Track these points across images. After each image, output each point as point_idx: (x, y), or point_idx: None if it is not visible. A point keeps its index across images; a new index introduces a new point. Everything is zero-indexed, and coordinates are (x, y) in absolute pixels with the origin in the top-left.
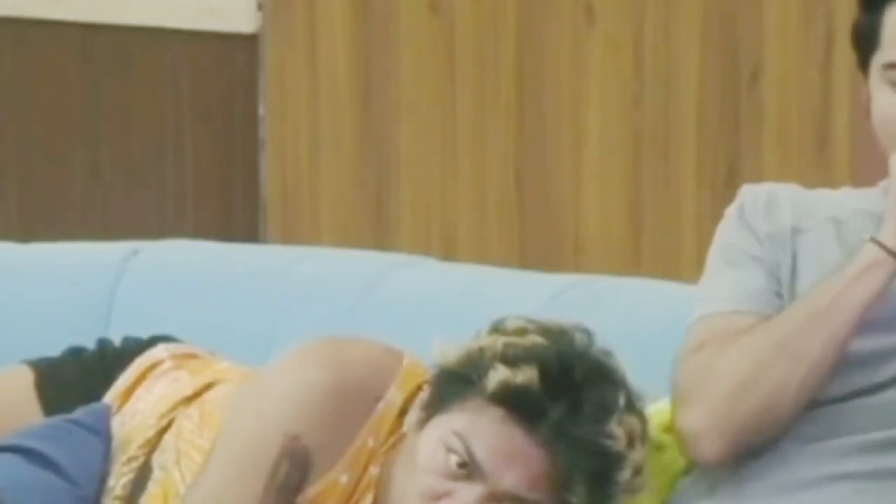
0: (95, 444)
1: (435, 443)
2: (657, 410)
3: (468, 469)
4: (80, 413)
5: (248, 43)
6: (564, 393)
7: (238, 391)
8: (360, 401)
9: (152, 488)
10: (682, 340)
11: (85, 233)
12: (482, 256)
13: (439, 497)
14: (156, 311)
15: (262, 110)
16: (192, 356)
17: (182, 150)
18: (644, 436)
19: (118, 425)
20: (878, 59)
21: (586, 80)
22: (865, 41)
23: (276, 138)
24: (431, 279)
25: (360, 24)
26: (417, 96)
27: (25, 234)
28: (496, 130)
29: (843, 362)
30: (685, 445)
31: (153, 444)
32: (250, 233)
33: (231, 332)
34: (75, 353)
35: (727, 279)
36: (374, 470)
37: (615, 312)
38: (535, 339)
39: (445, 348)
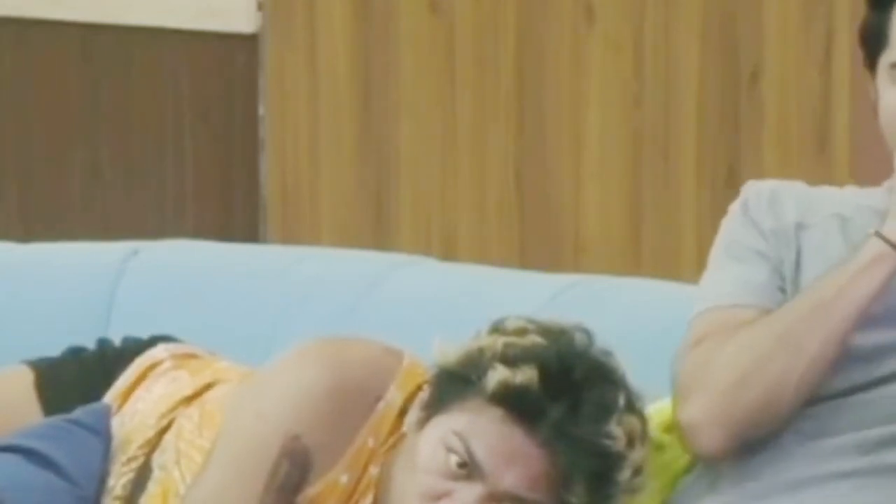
0: (95, 444)
1: (435, 443)
2: (657, 410)
3: (468, 469)
4: (80, 413)
5: (248, 43)
6: (564, 393)
7: (238, 391)
8: (360, 401)
9: (152, 488)
10: (682, 340)
11: (85, 233)
12: (482, 256)
13: (439, 497)
14: (156, 311)
15: (262, 110)
16: (192, 356)
17: (182, 150)
18: (644, 436)
19: (118, 425)
20: (886, 59)
21: (586, 80)
22: (873, 40)
23: (276, 138)
24: (431, 279)
25: (360, 24)
26: (417, 96)
27: (25, 234)
28: (496, 130)
29: (845, 357)
30: (685, 438)
31: (153, 444)
32: (250, 233)
33: (231, 332)
34: (75, 353)
35: (730, 273)
36: (374, 470)
37: (615, 312)
38: (535, 339)
39: (445, 348)
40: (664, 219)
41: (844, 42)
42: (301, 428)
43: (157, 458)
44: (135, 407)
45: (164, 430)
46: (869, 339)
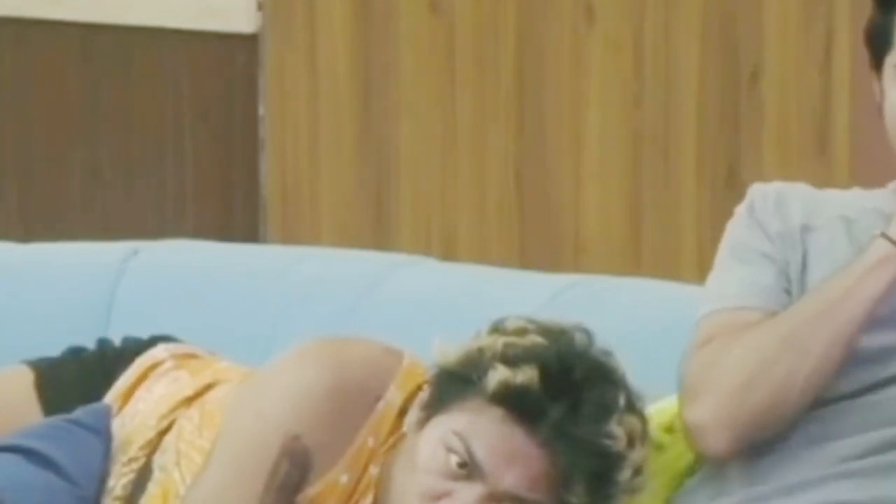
0: (95, 444)
1: (435, 443)
2: (657, 410)
3: (468, 469)
4: (80, 413)
5: (248, 43)
6: (564, 393)
7: (238, 391)
8: (359, 401)
9: (152, 489)
10: (682, 340)
11: (85, 233)
12: (482, 256)
13: (439, 497)
14: (156, 311)
15: (262, 110)
16: (193, 356)
17: (182, 150)
18: (644, 436)
19: (119, 426)
20: (892, 59)
21: (586, 80)
22: (879, 41)
23: (276, 138)
24: (431, 279)
25: (360, 24)
26: (417, 96)
27: (25, 234)
28: (496, 130)
29: (851, 359)
30: (691, 439)
31: (154, 445)
32: (250, 233)
33: (231, 332)
34: (75, 353)
35: (736, 275)
36: (373, 470)
37: (615, 312)
38: (535, 339)
39: (445, 348)
40: (664, 219)
41: (844, 42)
42: (301, 428)
43: (157, 459)
44: (135, 408)
45: (164, 431)
46: (875, 340)
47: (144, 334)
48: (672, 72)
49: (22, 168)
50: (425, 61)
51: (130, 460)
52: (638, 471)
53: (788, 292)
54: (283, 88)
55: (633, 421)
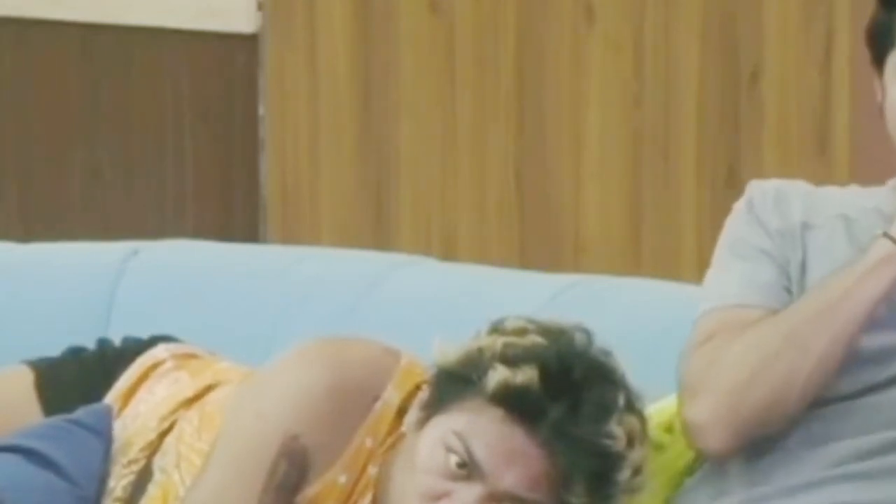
0: (96, 444)
1: (434, 443)
2: (657, 410)
3: (468, 469)
4: (80, 413)
5: (248, 43)
6: (564, 393)
7: (238, 391)
8: (359, 401)
9: (152, 490)
10: (682, 340)
11: (85, 233)
12: (482, 256)
13: (439, 497)
14: (156, 311)
15: (262, 110)
16: (193, 356)
17: (182, 150)
18: (644, 436)
19: (120, 428)
20: (894, 58)
21: (586, 80)
22: (881, 39)
23: (276, 138)
24: (431, 279)
25: (360, 24)
26: (417, 96)
27: (25, 234)
28: (496, 130)
29: (852, 359)
30: (691, 437)
31: (154, 447)
32: (250, 233)
33: (231, 332)
34: (75, 353)
35: (735, 272)
36: (372, 470)
37: (615, 312)
38: (535, 339)
39: (445, 348)
40: (664, 219)
41: (844, 42)
42: (301, 428)
43: (157, 461)
44: (137, 409)
45: (165, 433)
46: (876, 340)
47: (144, 334)
48: (672, 72)
49: (22, 168)
50: (425, 61)
51: (131, 462)
52: (637, 471)
53: (788, 290)
54: (283, 88)
55: (632, 421)
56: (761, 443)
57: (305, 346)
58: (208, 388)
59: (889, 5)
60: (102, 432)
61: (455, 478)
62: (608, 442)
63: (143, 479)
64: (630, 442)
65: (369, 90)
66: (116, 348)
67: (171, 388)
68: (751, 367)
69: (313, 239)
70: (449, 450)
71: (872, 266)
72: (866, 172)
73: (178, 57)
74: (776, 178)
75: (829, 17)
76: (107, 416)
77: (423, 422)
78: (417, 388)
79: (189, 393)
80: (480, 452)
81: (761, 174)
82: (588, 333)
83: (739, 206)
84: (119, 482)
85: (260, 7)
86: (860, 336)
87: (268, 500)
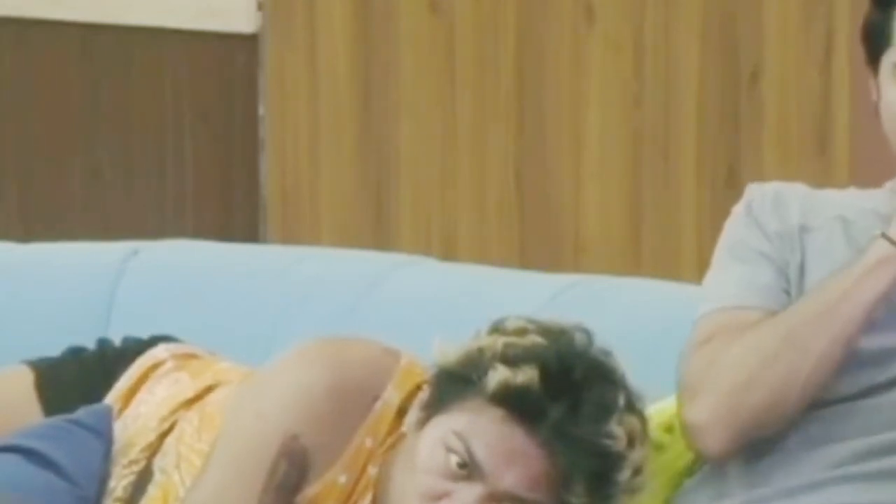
0: (96, 444)
1: (435, 443)
2: (657, 410)
3: (468, 469)
4: (80, 413)
5: (248, 43)
6: (564, 393)
7: (238, 391)
8: (359, 401)
9: (152, 491)
10: (682, 340)
11: (85, 233)
12: (482, 256)
13: (439, 497)
14: (156, 311)
15: (262, 110)
16: (193, 356)
17: (182, 150)
18: (644, 436)
19: (121, 429)
20: (889, 57)
21: (586, 80)
22: (876, 39)
23: (276, 138)
24: (431, 279)
25: (360, 24)
26: (417, 96)
27: (25, 234)
28: (496, 130)
29: (852, 360)
30: (690, 439)
31: (154, 448)
32: (250, 233)
33: (231, 332)
34: (75, 353)
35: (734, 274)
36: (372, 470)
37: (615, 312)
38: (535, 339)
39: (445, 348)
40: (664, 219)
41: (844, 42)
42: (300, 427)
43: (158, 462)
44: (137, 410)
45: (165, 434)
46: (875, 342)
47: (144, 334)
48: (672, 72)
49: (22, 168)
50: (425, 61)
51: (131, 462)
52: (638, 471)
53: (787, 292)
54: (283, 88)
55: (632, 421)
56: (761, 444)
57: (305, 346)
58: (208, 389)
59: (883, 5)
60: (103, 433)
61: (455, 478)
62: (608, 442)
63: (143, 479)
64: (630, 442)
65: (369, 90)
66: (116, 348)
67: (172, 389)
68: (750, 368)
69: (313, 239)
70: (449, 450)
71: (871, 267)
72: (866, 173)
73: (178, 57)
74: (776, 178)
75: (829, 17)
76: (107, 417)
77: (423, 422)
78: (417, 388)
79: (189, 393)
80: (481, 452)
81: (761, 174)
82: (588, 333)
83: (738, 209)
84: (120, 482)
85: (260, 7)
86: (859, 337)
87: (268, 500)
